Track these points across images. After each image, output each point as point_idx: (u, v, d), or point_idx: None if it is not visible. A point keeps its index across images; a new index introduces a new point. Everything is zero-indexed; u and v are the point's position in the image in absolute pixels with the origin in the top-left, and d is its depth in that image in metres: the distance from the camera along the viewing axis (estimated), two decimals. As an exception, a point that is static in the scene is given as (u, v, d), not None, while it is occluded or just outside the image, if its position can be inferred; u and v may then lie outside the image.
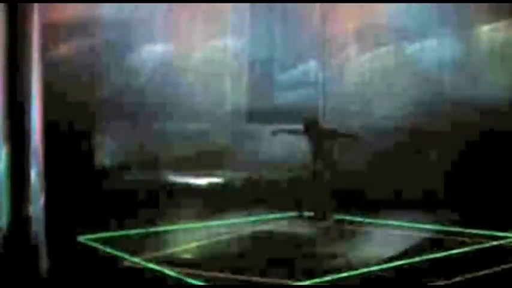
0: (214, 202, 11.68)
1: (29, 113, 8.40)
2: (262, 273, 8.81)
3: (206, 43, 12.81)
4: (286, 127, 11.80)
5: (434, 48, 12.72)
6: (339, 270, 8.74)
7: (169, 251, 9.66)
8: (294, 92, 12.99)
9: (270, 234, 10.65)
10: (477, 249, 9.86)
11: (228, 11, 12.85)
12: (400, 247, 9.79)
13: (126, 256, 9.28)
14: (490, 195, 11.39)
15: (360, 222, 11.26)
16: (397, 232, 10.75)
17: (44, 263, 8.55)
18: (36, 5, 8.49)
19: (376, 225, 10.98)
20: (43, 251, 8.56)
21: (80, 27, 12.02)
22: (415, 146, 12.52)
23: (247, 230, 10.73)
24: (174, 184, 12.25)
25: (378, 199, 11.43)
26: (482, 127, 11.90)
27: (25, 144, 8.40)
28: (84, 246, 9.71)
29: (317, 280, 8.55)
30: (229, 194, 12.25)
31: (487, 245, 10.09)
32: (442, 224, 10.81)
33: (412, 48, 12.75)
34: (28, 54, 8.37)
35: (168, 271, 8.79)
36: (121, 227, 10.20)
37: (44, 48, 8.71)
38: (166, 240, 10.00)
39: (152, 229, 10.37)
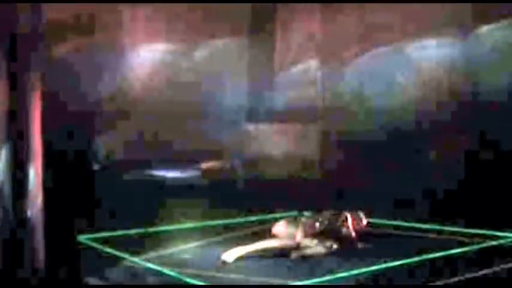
0: (214, 202, 11.68)
1: (27, 112, 8.41)
2: (262, 273, 8.81)
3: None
4: None
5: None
6: (338, 271, 8.75)
7: (169, 251, 9.66)
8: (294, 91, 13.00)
9: (269, 234, 10.62)
10: (477, 249, 9.86)
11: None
12: (399, 247, 9.79)
13: (126, 256, 9.27)
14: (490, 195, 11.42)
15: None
16: (397, 232, 10.75)
17: (44, 263, 8.54)
18: (36, 5, 8.50)
19: (376, 225, 10.97)
20: (42, 250, 8.56)
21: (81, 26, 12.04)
22: (415, 145, 12.54)
23: (247, 230, 10.73)
24: (173, 183, 12.25)
25: (378, 199, 11.42)
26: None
27: (24, 143, 8.41)
28: (84, 246, 9.71)
29: (317, 280, 8.54)
30: (229, 193, 12.26)
31: (487, 245, 10.08)
32: (442, 224, 10.82)
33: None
34: (28, 55, 8.37)
35: (168, 271, 8.78)
36: (121, 226, 10.19)
37: (44, 48, 8.72)
38: (166, 240, 10.00)
39: (152, 229, 10.37)
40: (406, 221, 10.91)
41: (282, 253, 9.69)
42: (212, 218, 10.91)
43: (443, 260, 9.36)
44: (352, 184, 11.92)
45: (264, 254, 9.63)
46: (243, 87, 12.99)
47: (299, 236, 9.88)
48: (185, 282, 8.51)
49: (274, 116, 12.91)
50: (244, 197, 12.08)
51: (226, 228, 10.69)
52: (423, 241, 10.26)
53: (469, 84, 12.28)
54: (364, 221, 10.30)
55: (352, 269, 8.81)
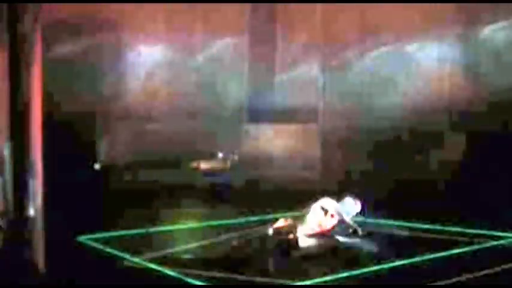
0: (214, 202, 11.69)
1: (29, 112, 8.42)
2: (263, 273, 8.81)
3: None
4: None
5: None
6: (337, 270, 8.75)
7: (169, 251, 9.66)
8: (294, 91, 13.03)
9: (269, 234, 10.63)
10: (477, 249, 9.86)
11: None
12: (400, 247, 9.80)
13: (126, 256, 9.27)
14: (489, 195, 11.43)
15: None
16: (397, 232, 10.75)
17: (44, 263, 8.54)
18: (36, 5, 8.50)
19: (375, 225, 10.97)
20: (43, 250, 8.56)
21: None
22: (414, 146, 12.56)
23: (247, 230, 10.73)
24: (173, 184, 12.26)
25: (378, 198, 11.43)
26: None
27: (25, 143, 8.42)
28: (84, 246, 9.71)
29: (317, 280, 8.55)
30: (229, 193, 12.27)
31: (487, 245, 10.08)
32: (442, 224, 10.82)
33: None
34: (28, 54, 8.38)
35: (168, 271, 8.78)
36: (121, 227, 10.20)
37: (44, 48, 8.72)
38: (166, 240, 10.00)
39: (152, 229, 10.37)
40: (406, 221, 10.92)
41: (282, 253, 9.71)
42: (212, 219, 10.92)
43: (443, 260, 9.37)
44: (352, 184, 11.94)
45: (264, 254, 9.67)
46: (243, 88, 13.01)
47: (300, 232, 9.94)
48: (185, 282, 8.51)
49: (274, 116, 12.92)
50: (244, 197, 12.08)
51: (227, 228, 10.70)
52: (423, 241, 10.25)
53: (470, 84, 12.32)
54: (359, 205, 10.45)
55: (352, 269, 8.81)
